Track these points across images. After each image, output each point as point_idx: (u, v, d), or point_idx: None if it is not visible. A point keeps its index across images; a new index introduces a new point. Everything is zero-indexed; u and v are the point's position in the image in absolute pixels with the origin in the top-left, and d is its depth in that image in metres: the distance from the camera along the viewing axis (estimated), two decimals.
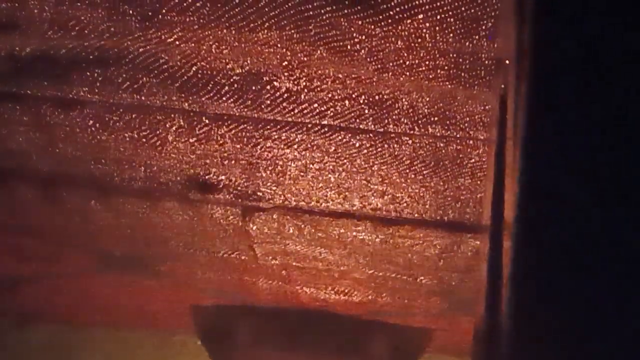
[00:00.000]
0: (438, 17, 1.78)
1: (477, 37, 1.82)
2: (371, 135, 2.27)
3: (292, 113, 2.22)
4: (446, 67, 1.95)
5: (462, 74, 1.96)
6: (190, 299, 3.52)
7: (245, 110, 2.23)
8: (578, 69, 1.34)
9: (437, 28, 1.81)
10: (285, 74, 2.07)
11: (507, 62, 1.49)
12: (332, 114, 2.21)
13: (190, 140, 2.37)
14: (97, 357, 4.05)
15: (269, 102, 2.19)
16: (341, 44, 1.93)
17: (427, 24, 1.81)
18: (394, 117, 2.19)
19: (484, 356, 1.55)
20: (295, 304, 3.42)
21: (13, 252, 3.19)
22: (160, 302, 3.62)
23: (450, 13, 1.77)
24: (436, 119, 2.18)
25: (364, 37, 1.90)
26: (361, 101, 2.14)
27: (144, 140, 2.39)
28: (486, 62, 1.89)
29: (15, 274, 3.42)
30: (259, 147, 2.37)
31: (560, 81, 1.36)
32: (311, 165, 2.44)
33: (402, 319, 3.51)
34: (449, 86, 2.03)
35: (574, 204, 1.41)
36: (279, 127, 2.28)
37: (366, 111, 2.18)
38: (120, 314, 3.85)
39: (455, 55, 1.89)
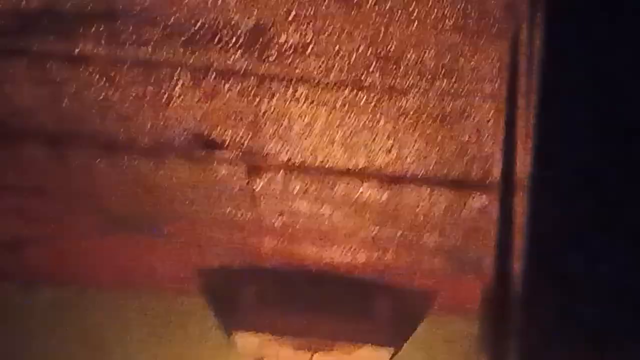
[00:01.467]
0: None
1: None
2: (378, 90, 2.27)
3: (299, 67, 2.21)
4: (454, 17, 1.94)
5: (470, 24, 1.95)
6: (195, 259, 3.52)
7: (251, 64, 2.22)
8: (596, 12, 1.32)
9: None
10: (292, 26, 2.07)
11: (520, 6, 1.48)
12: (338, 68, 2.20)
13: (196, 97, 2.36)
14: (103, 318, 4.05)
15: (275, 56, 2.18)
16: None
17: None
18: (400, 71, 2.19)
19: (493, 318, 1.55)
20: (300, 264, 3.42)
21: (18, 213, 3.19)
22: (166, 263, 3.63)
23: None
24: (443, 72, 2.17)
25: None
26: (368, 54, 2.13)
27: (149, 96, 2.39)
28: (495, 10, 1.88)
29: (20, 236, 3.43)
30: (264, 103, 2.37)
31: (577, 25, 1.34)
32: (317, 122, 2.44)
33: (407, 279, 3.51)
34: (457, 38, 2.02)
35: (592, 158, 1.40)
36: (285, 82, 2.27)
37: (373, 65, 2.18)
38: (126, 275, 3.85)
39: (463, 3, 1.88)
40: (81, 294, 4.06)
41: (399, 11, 1.96)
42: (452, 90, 2.24)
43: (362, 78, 2.23)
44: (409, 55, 2.13)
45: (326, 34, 2.08)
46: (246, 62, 2.22)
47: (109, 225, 3.17)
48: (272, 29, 2.08)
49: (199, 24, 2.11)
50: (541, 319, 1.42)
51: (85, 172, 2.81)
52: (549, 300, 1.41)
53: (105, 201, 2.98)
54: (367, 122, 2.41)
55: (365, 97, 2.30)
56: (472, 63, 2.12)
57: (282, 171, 2.70)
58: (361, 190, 2.71)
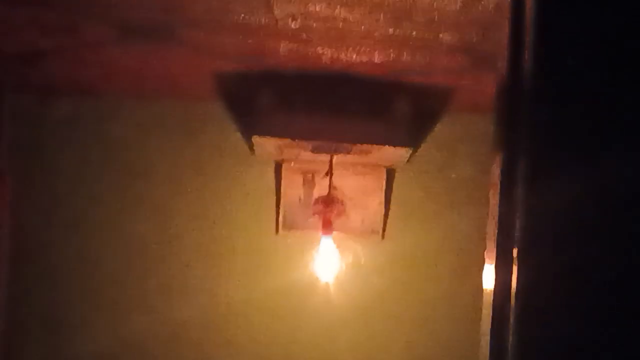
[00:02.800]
0: None
1: None
2: None
3: None
4: None
5: None
6: (211, 65, 3.52)
7: None
8: None
9: None
10: None
11: None
12: None
13: None
14: (121, 126, 4.09)
15: None
16: None
17: None
18: None
19: (506, 111, 1.57)
20: (316, 67, 3.42)
21: (32, 25, 3.17)
22: (183, 70, 3.63)
23: None
24: None
25: None
26: None
27: None
28: None
29: (35, 47, 3.42)
30: None
31: None
32: None
33: (424, 78, 3.51)
34: None
35: None
36: None
37: None
38: (143, 82, 3.87)
39: None
40: (98, 103, 4.09)
41: None
42: None
43: None
44: None
45: None
46: None
47: (124, 33, 3.16)
48: None
49: None
50: (551, 111, 1.44)
51: None
52: (557, 90, 1.43)
53: (120, 9, 2.96)
54: None
55: None
56: None
57: None
58: None
